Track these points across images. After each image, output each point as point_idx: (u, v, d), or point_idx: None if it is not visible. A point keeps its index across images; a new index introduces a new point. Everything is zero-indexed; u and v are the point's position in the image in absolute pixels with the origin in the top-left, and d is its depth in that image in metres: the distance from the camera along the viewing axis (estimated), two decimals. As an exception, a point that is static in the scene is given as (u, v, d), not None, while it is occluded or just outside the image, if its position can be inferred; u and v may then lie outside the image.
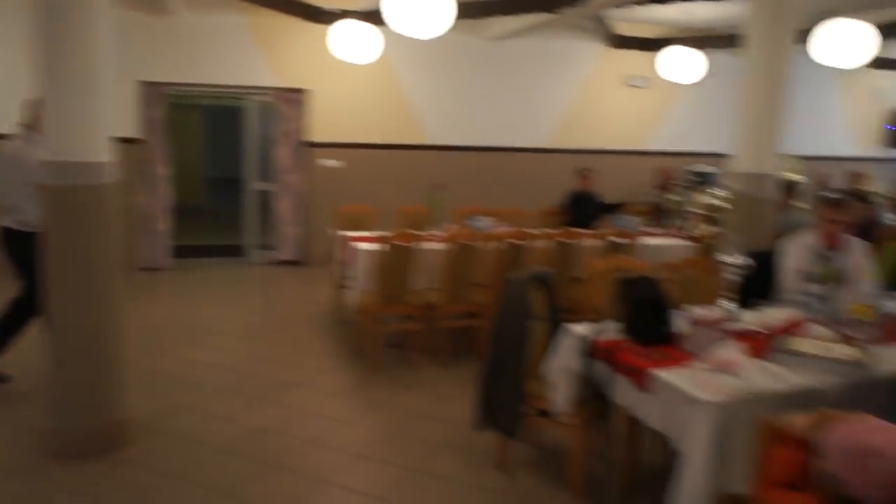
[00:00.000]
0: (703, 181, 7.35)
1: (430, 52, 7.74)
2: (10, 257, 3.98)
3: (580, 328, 2.97)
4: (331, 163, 7.70)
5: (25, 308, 3.98)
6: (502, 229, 5.10)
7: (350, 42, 6.05)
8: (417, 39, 5.87)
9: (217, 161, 12.49)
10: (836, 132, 9.99)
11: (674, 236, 5.80)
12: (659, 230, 6.15)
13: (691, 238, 5.36)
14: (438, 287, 4.69)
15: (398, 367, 4.67)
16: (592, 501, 3.08)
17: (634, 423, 2.96)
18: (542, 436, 3.58)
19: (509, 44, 7.99)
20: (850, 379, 2.47)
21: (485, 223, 5.31)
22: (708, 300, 3.38)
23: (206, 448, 3.45)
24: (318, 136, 7.66)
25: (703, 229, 5.19)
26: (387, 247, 4.47)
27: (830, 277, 3.13)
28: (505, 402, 3.21)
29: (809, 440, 1.71)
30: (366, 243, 4.83)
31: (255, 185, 7.88)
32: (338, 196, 7.18)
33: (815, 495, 1.63)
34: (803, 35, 5.14)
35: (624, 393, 2.69)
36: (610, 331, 2.87)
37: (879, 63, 9.58)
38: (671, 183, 6.85)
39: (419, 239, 4.67)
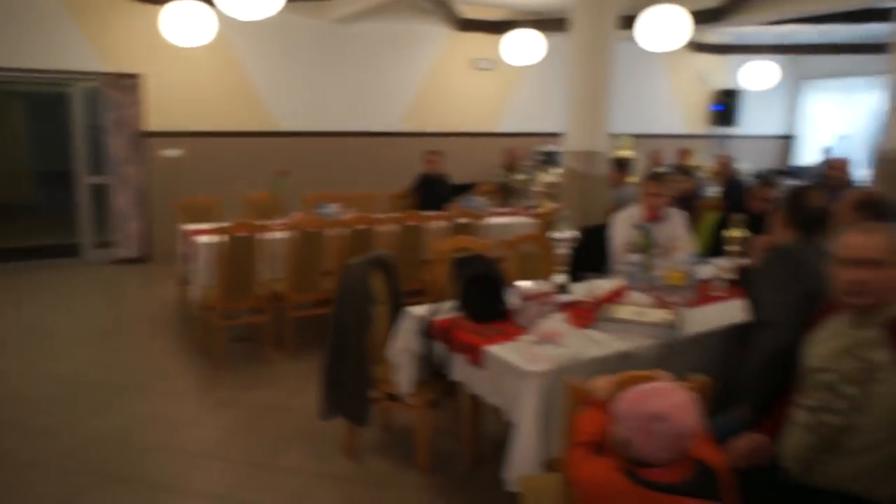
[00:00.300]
0: (548, 160, 7.66)
1: (273, 35, 7.49)
2: None
3: (419, 309, 2.99)
4: (170, 152, 7.28)
5: None
6: (349, 215, 5.05)
7: (183, 24, 5.71)
8: (259, 22, 5.68)
9: (42, 154, 11.40)
10: (667, 112, 10.74)
11: (519, 214, 6.00)
12: (506, 209, 6.34)
13: (535, 215, 5.56)
14: (284, 277, 4.57)
15: (246, 363, 4.51)
16: (440, 478, 3.13)
17: (477, 399, 3.04)
18: (391, 419, 3.60)
19: (355, 27, 7.88)
20: (663, 340, 2.66)
21: (332, 210, 5.23)
22: (546, 274, 3.52)
23: (32, 468, 3.16)
24: (156, 124, 7.20)
25: (546, 206, 5.40)
26: (226, 238, 4.28)
27: (648, 247, 3.35)
28: (351, 388, 3.18)
29: (607, 405, 1.82)
30: (206, 236, 4.62)
31: (87, 178, 7.30)
32: (181, 187, 6.81)
33: (613, 457, 1.72)
34: (631, 21, 5.46)
35: (461, 370, 2.74)
36: (446, 310, 2.92)
37: (701, 48, 10.44)
38: (518, 163, 7.09)
39: (261, 228, 4.52)
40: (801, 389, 2.07)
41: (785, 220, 2.67)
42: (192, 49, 6.86)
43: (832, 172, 5.98)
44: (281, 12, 5.02)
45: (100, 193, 7.35)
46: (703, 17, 7.13)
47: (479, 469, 3.17)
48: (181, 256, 5.27)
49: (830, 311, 2.08)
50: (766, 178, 4.65)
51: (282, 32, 7.52)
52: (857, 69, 10.13)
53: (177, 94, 7.21)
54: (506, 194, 6.75)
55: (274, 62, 7.65)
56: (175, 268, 5.73)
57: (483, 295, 2.83)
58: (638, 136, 9.26)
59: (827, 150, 9.69)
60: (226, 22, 6.11)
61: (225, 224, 4.37)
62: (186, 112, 7.30)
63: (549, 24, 7.40)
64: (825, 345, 2.03)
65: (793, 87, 11.87)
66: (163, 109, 7.18)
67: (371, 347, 3.14)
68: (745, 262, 3.28)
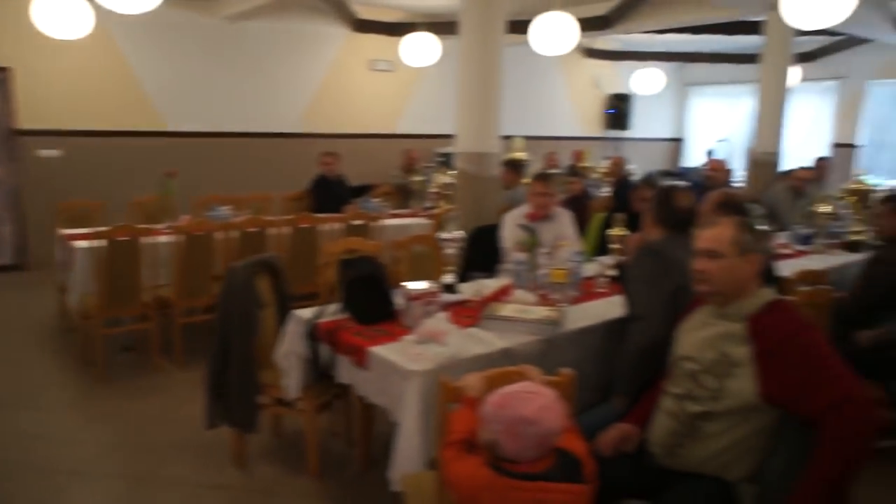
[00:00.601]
0: (446, 162, 7.74)
1: (161, 31, 7.20)
2: None
3: (305, 312, 2.95)
4: (47, 152, 6.85)
5: None
6: (240, 218, 4.92)
7: (57, 14, 5.35)
8: (144, 17, 5.43)
9: None
10: (563, 115, 11.08)
11: (417, 216, 6.04)
12: (403, 211, 6.36)
13: (432, 216, 5.61)
14: (171, 282, 4.41)
15: (132, 373, 4.32)
16: (330, 483, 3.10)
17: (366, 401, 3.03)
18: (280, 425, 3.53)
19: (247, 25, 7.69)
20: (544, 336, 2.74)
21: (223, 212, 5.08)
22: (437, 275, 3.55)
23: None
24: (30, 121, 6.76)
25: (442, 207, 5.46)
26: (105, 243, 4.08)
27: (534, 246, 3.44)
28: (237, 395, 3.09)
29: (477, 402, 1.86)
30: (84, 241, 4.38)
31: (-48, 180, 6.77)
32: (60, 190, 6.44)
33: (482, 458, 1.77)
34: (526, 26, 5.61)
35: (347, 372, 2.73)
36: (332, 312, 2.89)
37: (594, 54, 10.84)
38: (416, 164, 7.13)
39: (145, 232, 4.34)
40: (669, 378, 2.19)
41: (655, 220, 2.82)
42: (69, 42, 6.47)
43: (712, 173, 6.34)
44: (168, 8, 4.86)
45: (-32, 197, 6.84)
46: (592, 25, 7.40)
47: (371, 471, 3.16)
48: (59, 263, 4.98)
49: (699, 303, 2.21)
50: (647, 179, 4.88)
51: (169, 29, 7.24)
52: (736, 77, 10.79)
53: (53, 91, 6.79)
54: (404, 196, 6.77)
55: (162, 59, 7.35)
56: (54, 275, 5.40)
57: (368, 296, 2.83)
58: (535, 139, 9.50)
59: (710, 153, 10.26)
60: (108, 15, 5.81)
61: (105, 228, 4.17)
62: (64, 109, 6.89)
63: (445, 26, 7.48)
64: (691, 335, 2.15)
65: (680, 92, 12.53)
66: (37, 106, 6.74)
67: (258, 352, 3.07)
68: (622, 259, 3.43)
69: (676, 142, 12.81)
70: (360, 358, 2.62)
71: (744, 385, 1.95)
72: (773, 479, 1.97)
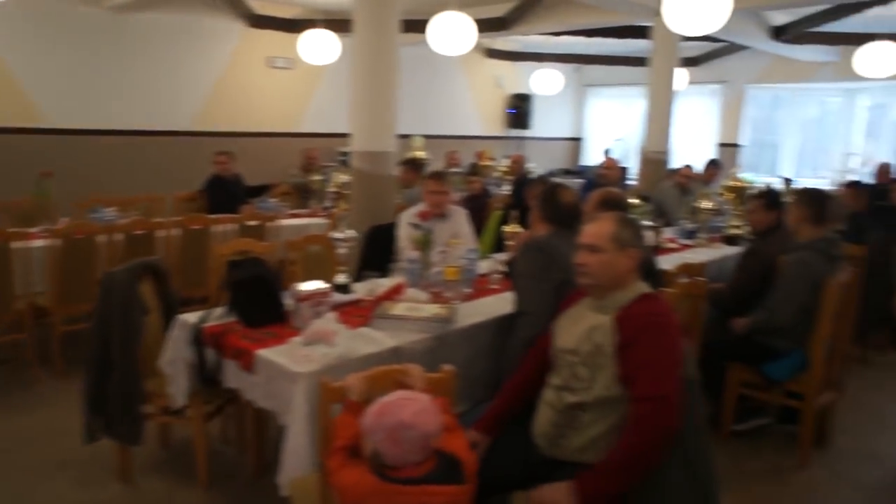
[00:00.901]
0: (346, 161, 7.65)
1: (38, 20, 6.75)
2: None
3: (190, 316, 2.85)
4: None
5: None
6: (126, 220, 4.69)
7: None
8: (20, 5, 5.09)
9: None
10: (466, 114, 11.20)
11: (316, 216, 5.95)
12: (303, 211, 6.25)
13: (330, 216, 5.54)
14: (49, 289, 4.15)
15: (5, 387, 4.04)
16: (221, 492, 3.01)
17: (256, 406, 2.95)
18: (168, 435, 3.40)
19: (136, 17, 7.33)
20: (435, 334, 2.75)
21: (107, 214, 4.83)
22: (332, 275, 3.50)
23: None
24: None
25: (341, 207, 5.39)
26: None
27: (427, 244, 3.46)
28: (118, 406, 2.94)
29: (360, 403, 1.87)
30: (-52, 246, 4.06)
31: None
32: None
33: (366, 466, 1.80)
34: (424, 25, 5.62)
35: (234, 377, 2.65)
36: (218, 316, 2.81)
37: (495, 54, 11.02)
38: (315, 164, 7.02)
39: (16, 236, 4.07)
40: (551, 370, 2.25)
41: (540, 216, 2.89)
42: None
43: (605, 171, 6.58)
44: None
45: None
46: (490, 26, 7.52)
47: (263, 477, 3.08)
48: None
49: (579, 296, 2.28)
50: (541, 178, 5.00)
51: (48, 18, 6.80)
52: (630, 79, 11.22)
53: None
54: (303, 196, 6.65)
55: (40, 51, 6.88)
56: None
57: (255, 298, 2.76)
58: (437, 138, 9.57)
59: (607, 152, 10.64)
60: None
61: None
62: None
63: (343, 23, 7.40)
64: (570, 328, 2.22)
65: (578, 93, 12.92)
66: None
67: (141, 360, 2.94)
68: (511, 255, 3.50)
69: (576, 141, 13.20)
70: (246, 361, 2.55)
71: (610, 374, 2.04)
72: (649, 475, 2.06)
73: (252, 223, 5.10)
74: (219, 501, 2.96)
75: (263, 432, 3.15)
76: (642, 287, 2.16)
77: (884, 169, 7.72)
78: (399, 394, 1.85)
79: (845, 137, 10.28)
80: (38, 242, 4.25)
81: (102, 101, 7.30)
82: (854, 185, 6.04)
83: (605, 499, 1.95)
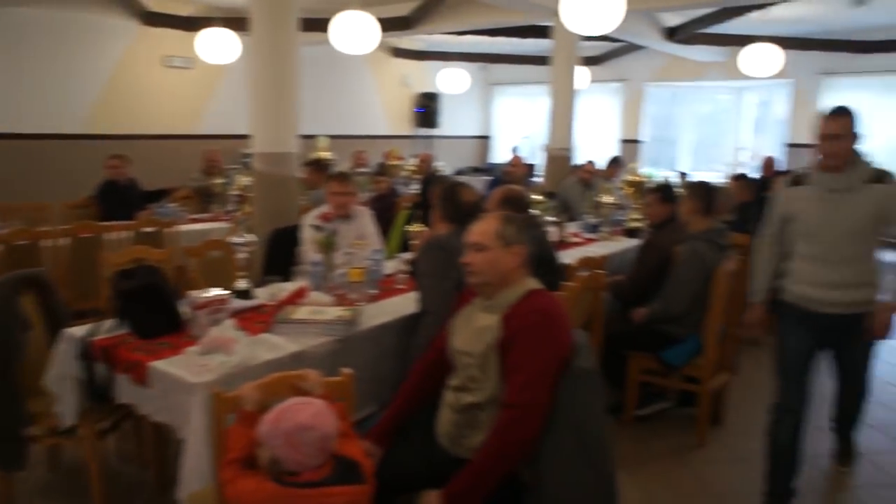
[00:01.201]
0: (249, 163, 7.45)
1: None
2: None
3: (78, 330, 2.70)
4: None
5: None
6: (6, 230, 4.39)
7: None
8: None
9: None
10: (374, 114, 11.14)
11: (218, 220, 5.77)
12: (205, 216, 6.04)
13: (233, 220, 5.38)
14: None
15: None
16: (118, 512, 2.87)
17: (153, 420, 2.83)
18: (58, 457, 3.20)
19: (18, 12, 6.87)
20: (338, 336, 2.71)
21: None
22: (232, 280, 3.40)
23: None
24: None
25: (243, 210, 5.25)
26: None
27: (330, 246, 3.41)
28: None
29: (254, 413, 1.83)
30: None
31: None
32: None
33: (264, 475, 1.78)
34: (326, 24, 5.55)
35: (127, 392, 2.53)
36: (108, 329, 2.67)
37: (401, 53, 11.01)
38: (217, 166, 6.79)
39: None
40: (451, 371, 2.26)
41: (441, 215, 2.90)
42: None
43: (511, 169, 6.69)
44: None
45: None
46: (394, 25, 7.51)
47: (166, 495, 2.96)
48: None
49: (471, 296, 2.29)
50: (442, 177, 5.03)
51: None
52: (535, 77, 11.45)
53: None
54: (205, 199, 6.43)
55: None
56: None
57: (147, 308, 2.64)
58: (344, 138, 9.47)
59: (514, 149, 10.83)
60: None
61: None
62: None
63: (241, 22, 7.20)
64: (463, 329, 2.23)
65: (485, 91, 13.09)
66: None
67: (23, 379, 2.75)
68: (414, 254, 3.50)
69: (484, 139, 13.37)
70: (140, 374, 2.44)
71: (497, 369, 2.07)
72: (546, 458, 2.09)
73: (148, 230, 4.88)
74: (117, 522, 2.82)
75: (164, 447, 3.02)
76: (531, 284, 2.19)
77: (769, 162, 8.21)
78: (294, 399, 1.83)
79: (736, 133, 10.89)
80: None
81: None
82: (741, 178, 6.39)
83: (476, 498, 1.98)
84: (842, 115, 2.72)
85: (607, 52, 11.01)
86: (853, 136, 2.74)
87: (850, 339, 2.96)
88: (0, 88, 6.95)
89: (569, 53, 7.44)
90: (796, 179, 2.99)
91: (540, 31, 8.20)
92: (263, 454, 1.78)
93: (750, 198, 5.96)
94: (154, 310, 2.65)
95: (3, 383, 2.68)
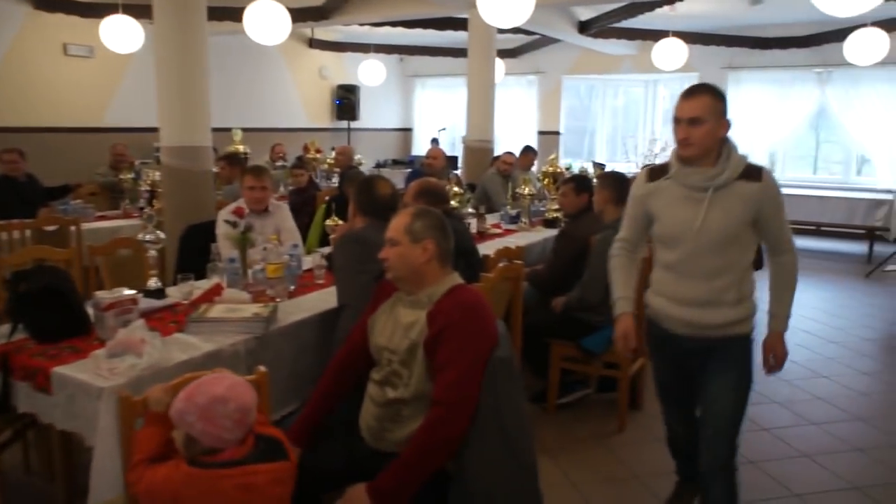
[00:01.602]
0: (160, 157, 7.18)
1: None
2: None
3: (-33, 337, 2.53)
4: None
5: None
6: None
7: None
8: None
9: None
10: (291, 106, 10.92)
11: (128, 217, 5.54)
12: (113, 212, 5.79)
13: (143, 216, 5.17)
14: None
15: None
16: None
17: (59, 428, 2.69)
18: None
19: None
20: (255, 334, 2.65)
21: None
22: (146, 279, 3.27)
23: None
24: None
25: (156, 206, 5.06)
26: None
27: (245, 242, 3.33)
28: None
29: (164, 414, 1.76)
30: None
31: None
32: None
33: (179, 459, 1.69)
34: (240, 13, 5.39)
35: (27, 399, 2.39)
36: (2, 334, 2.52)
37: (319, 45, 10.84)
38: (125, 160, 6.50)
39: None
40: (374, 365, 2.24)
41: (357, 208, 2.88)
42: None
43: (430, 161, 6.69)
44: None
45: None
46: (308, 15, 7.37)
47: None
48: None
49: (390, 290, 2.28)
50: (357, 170, 4.99)
51: None
52: (454, 70, 11.50)
53: None
54: (113, 195, 6.15)
55: None
56: None
57: (47, 311, 2.50)
58: (262, 131, 9.26)
59: (434, 141, 10.85)
60: None
61: None
62: None
63: (145, 9, 6.90)
64: (385, 324, 2.22)
65: (405, 83, 13.05)
66: None
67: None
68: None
69: (406, 131, 13.34)
70: (41, 381, 2.31)
71: (423, 370, 2.07)
72: (469, 449, 2.11)
73: (50, 228, 4.62)
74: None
75: (72, 457, 2.88)
76: (454, 279, 2.19)
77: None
78: (208, 374, 1.78)
79: (649, 124, 11.28)
80: None
81: None
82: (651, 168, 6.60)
83: (404, 494, 1.97)
84: (700, 94, 2.23)
85: (524, 45, 11.17)
86: (717, 122, 2.22)
87: (711, 371, 2.40)
88: None
89: (486, 45, 7.50)
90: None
91: (458, 24, 8.23)
92: (178, 436, 1.71)
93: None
94: (55, 312, 2.51)
95: None
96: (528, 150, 7.84)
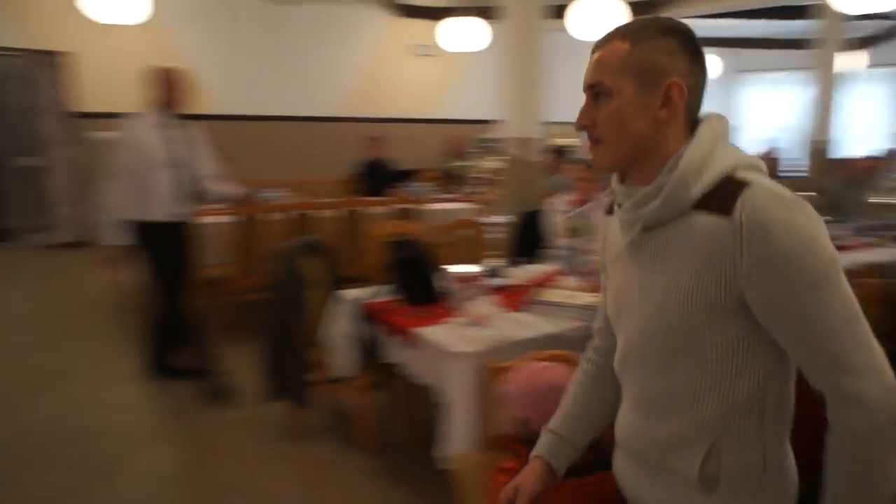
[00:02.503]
0: (489, 147, 7.75)
1: (210, 14, 7.36)
2: None
3: (354, 293, 3.05)
4: (102, 134, 7.09)
5: None
6: (290, 200, 5.05)
7: (110, 2, 5.47)
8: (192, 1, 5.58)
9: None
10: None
11: (461, 201, 6.10)
12: (448, 195, 6.42)
13: (476, 201, 5.65)
14: (227, 261, 4.56)
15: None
16: (385, 460, 3.16)
17: (415, 382, 3.10)
18: (333, 402, 3.63)
19: (293, 8, 7.78)
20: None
21: (275, 195, 5.21)
22: (481, 258, 3.61)
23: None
24: (91, 104, 7.00)
25: (488, 192, 5.53)
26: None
27: (577, 231, 3.46)
28: (289, 372, 3.23)
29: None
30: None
31: (17, 160, 7.06)
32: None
33: (513, 437, 1.80)
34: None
35: (395, 352, 2.81)
36: (382, 294, 2.98)
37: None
38: (461, 150, 7.15)
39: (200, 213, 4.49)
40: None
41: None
42: (123, 27, 6.68)
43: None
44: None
45: (33, 176, 7.12)
46: (636, 8, 7.30)
47: (424, 450, 3.23)
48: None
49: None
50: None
51: (219, 12, 7.40)
52: (787, 64, 10.48)
53: (110, 74, 7.01)
54: (448, 181, 6.83)
55: (211, 43, 7.51)
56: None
57: (416, 279, 2.90)
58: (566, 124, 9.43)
59: (769, 142, 10.01)
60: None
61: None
62: (120, 93, 7.09)
63: (489, 11, 7.46)
64: None
65: (734, 79, 12.24)
66: (96, 90, 6.99)
67: (306, 331, 3.18)
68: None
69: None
70: (408, 338, 2.69)
71: None
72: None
73: (403, 206, 5.31)
74: (384, 467, 3.09)
75: (420, 407, 3.29)
76: None
77: None
78: (540, 363, 1.88)
79: None
80: (218, 219, 4.65)
81: (260, 89, 7.85)
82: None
83: None
84: (609, 43, 1.16)
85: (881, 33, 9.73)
86: (644, 92, 1.10)
87: None
88: (276, 76, 7.93)
89: (833, 36, 6.73)
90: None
91: (794, 12, 7.49)
92: (512, 414, 1.79)
93: None
94: (422, 280, 2.91)
95: (293, 332, 3.14)
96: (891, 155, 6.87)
